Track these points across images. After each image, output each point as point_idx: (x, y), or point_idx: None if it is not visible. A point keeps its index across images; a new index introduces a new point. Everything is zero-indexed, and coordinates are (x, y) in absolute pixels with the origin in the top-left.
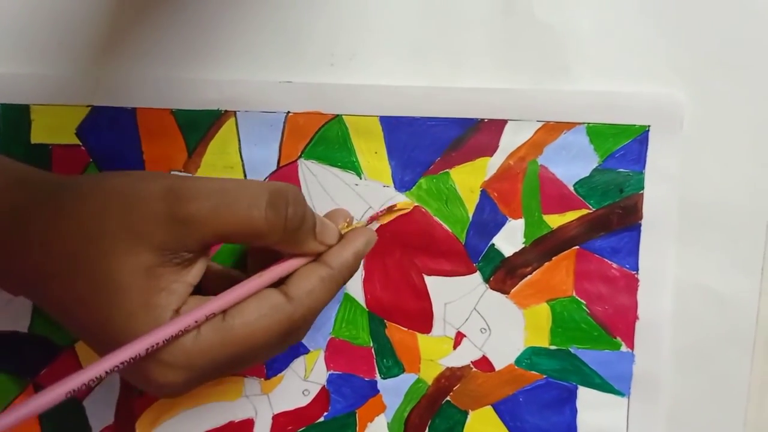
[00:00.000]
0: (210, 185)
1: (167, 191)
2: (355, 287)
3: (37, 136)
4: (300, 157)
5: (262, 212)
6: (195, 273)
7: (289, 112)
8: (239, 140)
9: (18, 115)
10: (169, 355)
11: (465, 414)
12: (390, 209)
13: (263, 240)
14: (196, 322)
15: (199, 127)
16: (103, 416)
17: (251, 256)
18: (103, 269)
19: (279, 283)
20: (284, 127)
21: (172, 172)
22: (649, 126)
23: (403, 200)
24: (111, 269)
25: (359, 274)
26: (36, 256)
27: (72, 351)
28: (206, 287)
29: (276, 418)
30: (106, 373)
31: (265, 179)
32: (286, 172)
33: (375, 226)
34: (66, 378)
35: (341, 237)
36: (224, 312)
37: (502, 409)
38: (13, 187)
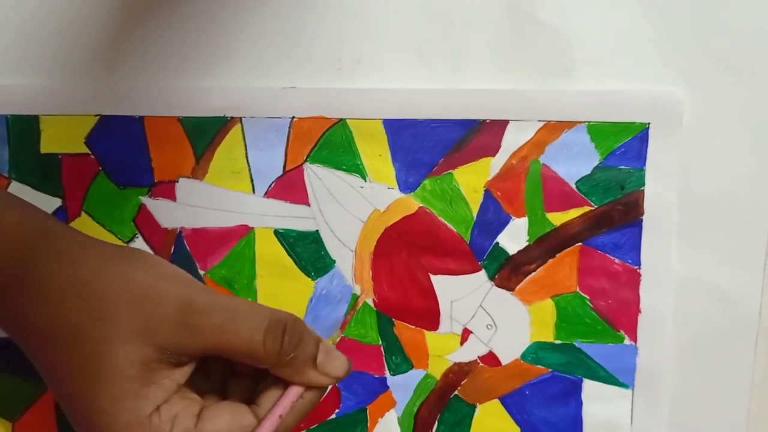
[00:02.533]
0: (222, 303)
1: (184, 301)
2: (364, 288)
3: (47, 146)
4: (305, 161)
5: (260, 336)
6: (184, 373)
7: (293, 117)
8: (245, 146)
9: (27, 126)
10: None
11: (473, 407)
12: (354, 309)
13: (259, 363)
14: None
15: (206, 133)
16: None
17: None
18: (103, 350)
19: (252, 389)
20: (289, 131)
21: (181, 179)
22: (649, 123)
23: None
24: (111, 352)
25: (367, 275)
26: (41, 316)
27: None
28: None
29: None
30: None
31: (271, 184)
32: (292, 176)
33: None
34: None
35: (350, 368)
36: (197, 416)
37: (509, 403)
38: (36, 239)
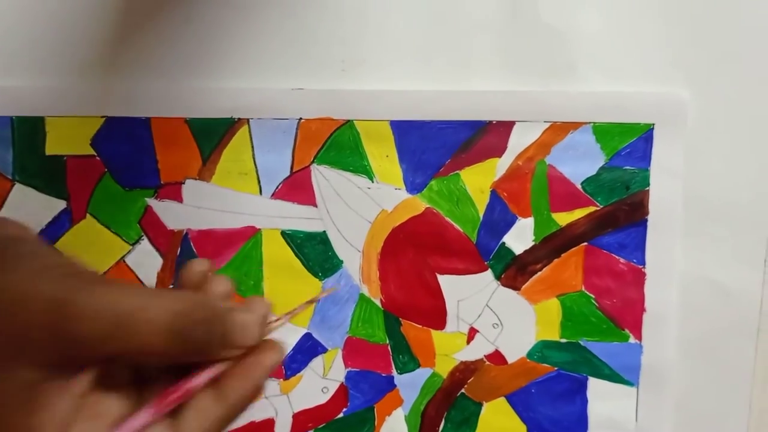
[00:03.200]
0: (105, 303)
1: (56, 307)
2: (371, 287)
3: (52, 148)
4: (313, 162)
5: (160, 338)
6: (83, 381)
7: (301, 118)
8: (253, 147)
9: (33, 128)
10: None
11: (479, 405)
12: (311, 302)
13: (163, 361)
14: None
15: (213, 134)
16: None
17: None
18: None
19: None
20: (297, 133)
21: (187, 180)
22: (653, 124)
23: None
24: None
25: (375, 275)
26: None
27: None
28: None
29: (296, 416)
30: None
31: (279, 185)
32: (299, 177)
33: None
34: None
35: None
36: None
37: (515, 401)
38: None
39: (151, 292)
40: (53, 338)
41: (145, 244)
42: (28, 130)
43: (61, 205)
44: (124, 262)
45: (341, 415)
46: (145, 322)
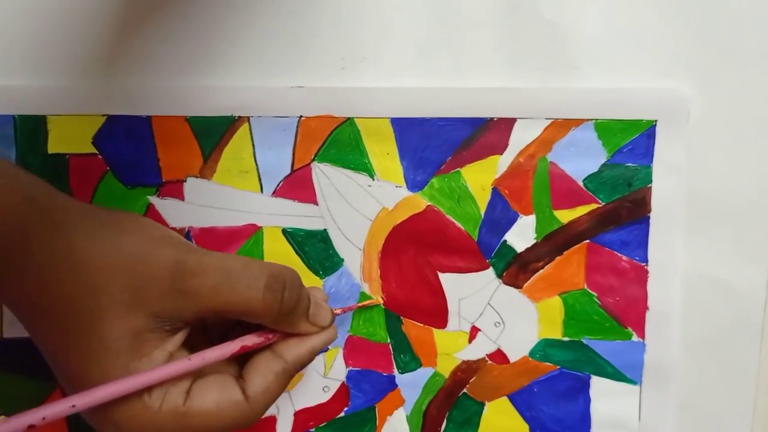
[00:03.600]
0: (215, 263)
1: (175, 264)
2: (372, 286)
3: (54, 146)
4: (313, 160)
5: (259, 294)
6: (177, 341)
7: (301, 116)
8: (253, 145)
9: (35, 126)
10: (125, 422)
11: (482, 405)
12: (361, 306)
13: (258, 319)
14: (127, 391)
15: (214, 133)
16: None
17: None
18: (94, 323)
19: (240, 362)
20: (297, 131)
21: (189, 178)
22: (656, 120)
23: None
24: (102, 326)
25: (375, 273)
26: (32, 286)
27: None
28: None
29: (297, 414)
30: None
31: (279, 183)
32: (299, 175)
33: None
34: (27, 412)
35: (333, 319)
36: (187, 392)
37: (517, 400)
38: (21, 205)
39: (252, 259)
40: (168, 290)
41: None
42: (31, 129)
43: None
44: None
45: (342, 414)
46: (247, 277)
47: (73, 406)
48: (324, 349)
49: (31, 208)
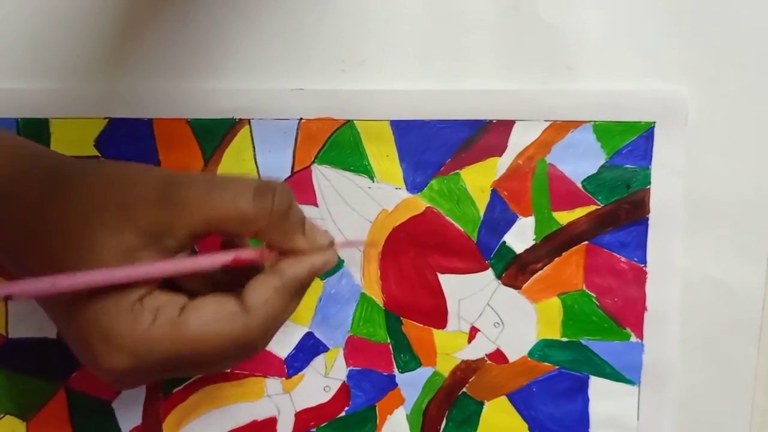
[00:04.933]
0: (203, 176)
1: (161, 178)
2: (372, 287)
3: (57, 149)
4: (313, 162)
5: (249, 198)
6: (170, 259)
7: (301, 118)
8: (254, 147)
9: (37, 129)
10: (116, 337)
11: (481, 404)
12: (356, 242)
13: (250, 226)
14: (145, 275)
15: (215, 135)
16: (131, 417)
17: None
18: (86, 242)
19: (235, 287)
20: (297, 133)
21: None
22: (654, 122)
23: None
24: (94, 243)
25: (375, 274)
26: (32, 223)
27: None
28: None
29: (298, 414)
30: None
31: None
32: (300, 177)
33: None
34: (7, 283)
35: (332, 243)
36: (182, 308)
37: (516, 399)
38: (36, 171)
39: (239, 175)
40: (156, 203)
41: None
42: (33, 132)
43: None
44: None
45: (343, 413)
46: (236, 184)
47: (54, 284)
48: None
49: (36, 165)
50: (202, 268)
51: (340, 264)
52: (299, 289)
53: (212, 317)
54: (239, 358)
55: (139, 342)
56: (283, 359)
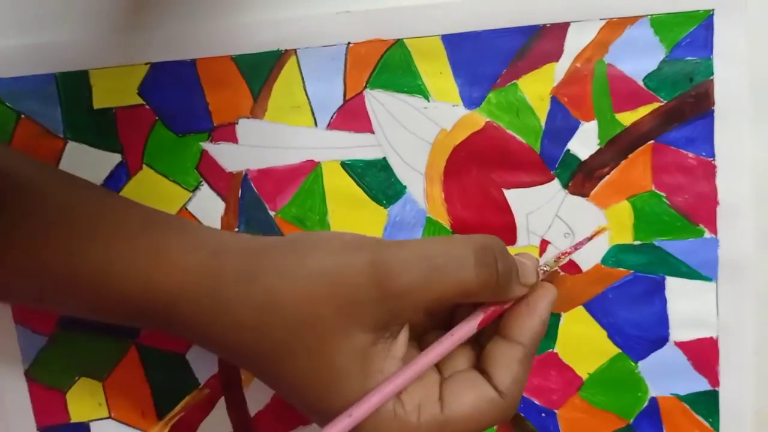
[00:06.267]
0: (414, 252)
1: (372, 266)
2: (437, 210)
3: (100, 101)
4: (365, 87)
5: (472, 272)
6: (401, 344)
7: (349, 42)
8: (303, 78)
9: (77, 83)
10: None
11: (558, 316)
12: (583, 242)
13: (475, 298)
14: (395, 392)
15: (261, 70)
16: (207, 367)
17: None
18: (321, 354)
19: (472, 351)
20: (346, 58)
21: (240, 120)
22: (713, 10)
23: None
24: (329, 354)
25: (440, 197)
26: (248, 338)
27: None
28: None
29: None
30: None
31: (333, 115)
32: (353, 104)
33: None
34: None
35: (539, 275)
36: (441, 400)
37: (593, 308)
38: (208, 263)
39: (447, 237)
40: (377, 298)
41: (205, 189)
42: (73, 86)
43: (116, 158)
44: (186, 209)
45: None
46: (455, 260)
47: (350, 415)
48: None
49: (217, 263)
50: (454, 346)
51: (402, 190)
52: (537, 347)
53: (474, 409)
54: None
55: None
56: None
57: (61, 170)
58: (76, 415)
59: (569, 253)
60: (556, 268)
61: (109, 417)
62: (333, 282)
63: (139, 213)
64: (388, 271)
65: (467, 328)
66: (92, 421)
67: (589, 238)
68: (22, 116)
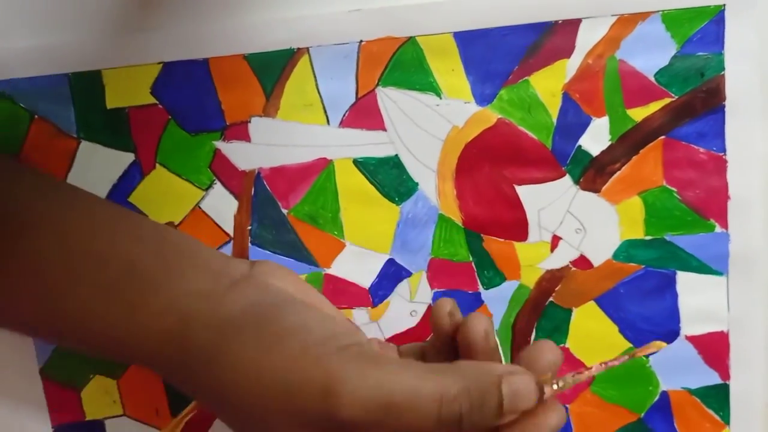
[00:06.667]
0: (374, 390)
1: (325, 396)
2: (449, 207)
3: (113, 101)
4: (377, 85)
5: (430, 424)
6: None
7: (361, 40)
8: (315, 76)
9: (90, 83)
10: None
11: (569, 312)
12: (633, 355)
13: None
14: None
15: (274, 68)
16: None
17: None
18: None
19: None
20: (358, 56)
21: (253, 118)
22: (724, 5)
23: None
24: None
25: (452, 194)
26: (215, 408)
27: None
28: None
29: (387, 341)
30: None
31: (345, 113)
32: (365, 102)
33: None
34: None
35: (541, 394)
36: None
37: (604, 303)
38: (180, 335)
39: (420, 374)
40: (326, 422)
41: (218, 187)
42: (86, 86)
43: (130, 158)
44: (200, 208)
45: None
46: (416, 410)
47: None
48: None
49: (183, 335)
50: None
51: (414, 187)
52: None
53: None
54: None
55: None
56: (368, 289)
57: (62, 189)
58: (91, 412)
59: (590, 370)
60: (571, 383)
61: (124, 415)
62: (283, 396)
63: (122, 255)
64: (341, 404)
65: None
66: (107, 418)
67: (634, 356)
68: (36, 116)
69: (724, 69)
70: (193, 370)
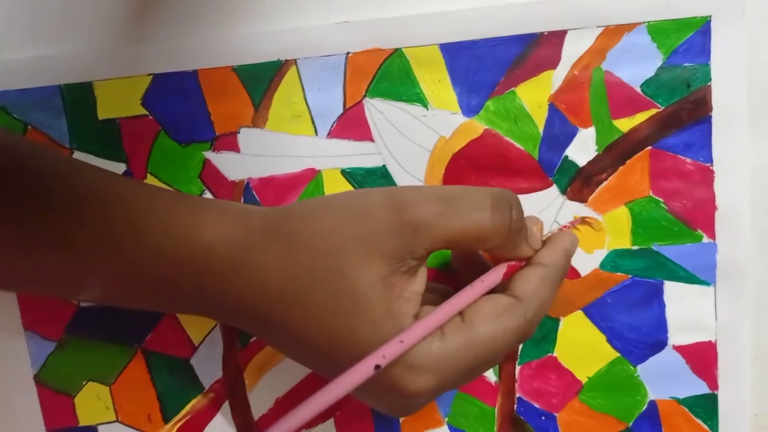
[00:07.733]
0: (432, 192)
1: (391, 200)
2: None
3: (104, 112)
4: (365, 96)
5: (488, 215)
6: (420, 281)
7: (348, 52)
8: (303, 88)
9: (82, 94)
10: (419, 359)
11: (556, 321)
12: (581, 220)
13: (487, 243)
14: (440, 324)
15: (262, 80)
16: (211, 372)
17: (459, 267)
18: (343, 282)
19: (500, 290)
20: (345, 68)
21: (242, 129)
22: (710, 16)
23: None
24: (351, 281)
25: None
26: (276, 282)
27: (173, 316)
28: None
29: None
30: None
31: (333, 124)
32: (352, 113)
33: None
34: (318, 394)
35: (543, 243)
36: (461, 314)
37: (592, 312)
38: (241, 217)
39: (468, 186)
40: (398, 229)
41: (208, 197)
42: (78, 97)
43: (121, 167)
44: None
45: None
46: (471, 200)
47: (402, 341)
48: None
49: (246, 218)
50: (486, 290)
51: None
52: (561, 276)
53: (492, 314)
54: (515, 348)
55: (440, 358)
56: None
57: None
58: (84, 418)
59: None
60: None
61: (117, 420)
62: (354, 214)
63: (169, 190)
64: (405, 203)
65: (494, 276)
66: (100, 424)
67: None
68: (29, 127)
69: (710, 80)
70: (254, 243)
